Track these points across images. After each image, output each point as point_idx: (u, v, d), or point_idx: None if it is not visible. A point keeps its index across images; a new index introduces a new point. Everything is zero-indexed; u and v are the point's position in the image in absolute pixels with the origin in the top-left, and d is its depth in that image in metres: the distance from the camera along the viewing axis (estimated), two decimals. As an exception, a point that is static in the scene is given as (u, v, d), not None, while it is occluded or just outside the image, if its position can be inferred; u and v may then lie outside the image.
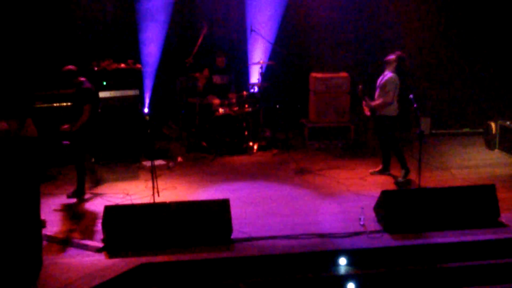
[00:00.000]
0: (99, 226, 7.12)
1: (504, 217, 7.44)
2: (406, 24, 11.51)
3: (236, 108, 10.26)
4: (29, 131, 6.83)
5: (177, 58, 10.61)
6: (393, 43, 11.27)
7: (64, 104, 9.42)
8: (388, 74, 8.71)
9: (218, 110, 10.22)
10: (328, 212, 7.80)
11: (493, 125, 10.44)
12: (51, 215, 7.59)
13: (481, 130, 10.97)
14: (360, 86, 8.88)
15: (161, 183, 8.26)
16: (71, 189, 8.41)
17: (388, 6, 11.51)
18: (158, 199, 7.77)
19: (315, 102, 10.74)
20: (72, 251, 6.73)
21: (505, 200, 7.85)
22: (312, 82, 10.84)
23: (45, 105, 9.36)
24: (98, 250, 6.72)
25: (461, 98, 11.67)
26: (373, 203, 7.55)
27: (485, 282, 6.70)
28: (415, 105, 8.36)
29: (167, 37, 10.89)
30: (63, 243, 6.90)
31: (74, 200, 8.15)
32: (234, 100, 10.30)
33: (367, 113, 8.92)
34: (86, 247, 6.78)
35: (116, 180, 8.92)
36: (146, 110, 8.00)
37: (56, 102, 9.42)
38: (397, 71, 8.71)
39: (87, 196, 8.24)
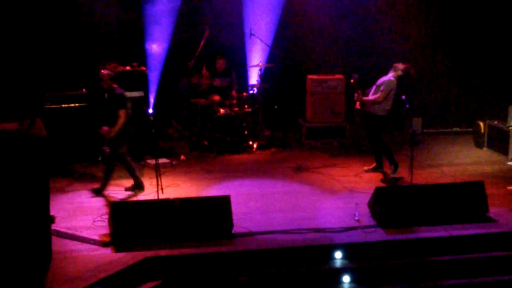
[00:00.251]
0: (106, 222, 7.26)
1: (492, 212, 7.56)
2: (398, 26, 11.59)
3: (236, 109, 10.35)
4: (38, 131, 6.96)
5: (180, 61, 10.69)
6: (386, 45, 11.45)
7: (72, 105, 9.55)
8: (388, 77, 8.86)
9: (219, 111, 10.31)
10: (325, 207, 7.90)
11: (481, 124, 10.54)
12: (60, 211, 7.64)
13: (470, 129, 11.06)
14: (356, 76, 8.97)
15: (164, 180, 8.34)
16: (79, 186, 8.59)
17: (381, 10, 11.59)
18: (162, 196, 7.87)
19: (312, 103, 10.86)
20: (80, 246, 6.81)
21: (493, 196, 7.97)
22: (308, 83, 10.94)
23: (54, 106, 9.47)
24: (105, 244, 6.82)
25: (451, 99, 11.72)
26: (367, 199, 7.67)
27: (475, 275, 6.82)
28: (407, 106, 8.57)
29: (172, 41, 10.95)
30: (72, 237, 6.98)
31: (84, 197, 8.27)
32: (234, 101, 10.40)
33: (357, 106, 9.03)
34: (93, 242, 6.87)
35: (122, 177, 8.92)
36: (150, 110, 8.13)
37: (64, 103, 9.52)
38: (398, 78, 8.88)
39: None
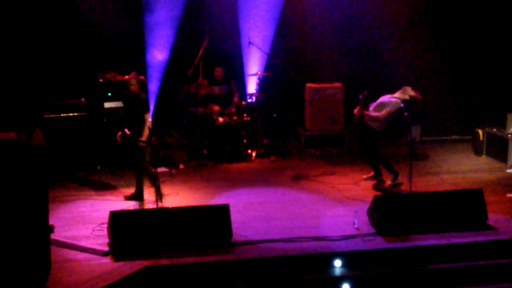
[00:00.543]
0: (105, 231, 7.25)
1: (491, 220, 7.56)
2: (398, 34, 11.62)
3: (235, 117, 10.38)
4: (37, 140, 6.98)
5: (179, 70, 10.71)
6: (385, 53, 11.49)
7: (71, 114, 9.56)
8: (395, 98, 8.84)
9: (218, 119, 10.34)
10: (324, 216, 7.90)
11: (480, 132, 10.57)
12: (59, 220, 7.65)
13: (469, 137, 11.06)
14: (365, 92, 8.97)
15: (164, 189, 8.36)
16: (79, 195, 8.59)
17: (381, 18, 11.62)
18: (161, 205, 7.89)
19: (311, 111, 10.90)
20: (79, 255, 6.80)
21: (492, 203, 7.98)
22: (307, 92, 10.98)
23: (53, 115, 9.49)
24: (104, 253, 6.80)
25: (450, 107, 11.73)
26: (366, 207, 7.67)
27: (474, 283, 6.82)
28: (405, 114, 8.61)
29: (172, 50, 10.99)
30: (71, 247, 6.97)
31: (83, 206, 8.26)
32: (233, 110, 10.44)
33: (356, 116, 9.01)
34: (92, 251, 6.86)
35: (121, 186, 9.02)
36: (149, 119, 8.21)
37: (63, 113, 9.54)
38: (404, 101, 8.84)
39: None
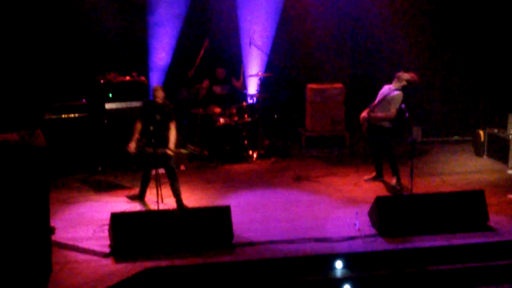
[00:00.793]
0: (106, 232, 7.24)
1: (492, 221, 7.57)
2: (399, 35, 11.59)
3: (236, 118, 10.39)
4: (38, 142, 6.98)
5: (181, 71, 10.71)
6: (386, 54, 11.48)
7: (72, 115, 9.57)
8: (395, 91, 8.81)
9: (219, 120, 10.34)
10: (325, 217, 7.91)
11: (481, 133, 10.57)
12: (60, 221, 7.66)
13: (470, 137, 11.07)
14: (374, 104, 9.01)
15: (165, 191, 8.30)
16: (80, 196, 8.62)
17: (382, 19, 11.60)
18: (162, 206, 7.90)
19: (311, 112, 10.90)
20: (80, 257, 6.81)
21: (494, 205, 7.98)
22: (308, 93, 10.97)
23: (54, 116, 9.49)
24: (105, 255, 6.82)
25: (451, 108, 11.72)
26: (367, 208, 7.68)
27: (475, 284, 6.84)
28: (407, 115, 8.60)
29: (174, 51, 10.99)
30: (72, 248, 6.98)
31: (84, 207, 8.27)
32: (234, 111, 10.45)
33: (362, 121, 9.00)
34: (93, 253, 6.88)
35: (122, 187, 9.04)
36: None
37: (64, 114, 9.54)
38: (402, 89, 8.85)
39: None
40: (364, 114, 9.00)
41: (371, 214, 7.62)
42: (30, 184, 6.27)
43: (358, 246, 7.07)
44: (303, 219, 7.90)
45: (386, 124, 8.92)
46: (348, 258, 6.88)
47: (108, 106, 9.69)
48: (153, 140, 7.95)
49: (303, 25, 11.85)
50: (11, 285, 6.22)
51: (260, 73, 10.90)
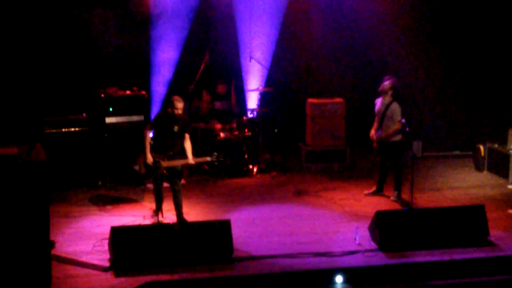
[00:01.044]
0: (106, 246, 7.23)
1: (493, 236, 7.57)
2: (399, 50, 11.67)
3: (236, 133, 10.41)
4: (39, 156, 6.98)
5: (182, 85, 10.68)
6: (387, 68, 11.49)
7: (73, 129, 9.59)
8: (391, 104, 8.85)
9: (219, 135, 10.37)
10: (325, 231, 7.91)
11: (481, 148, 10.59)
12: (60, 235, 7.66)
13: (470, 152, 11.08)
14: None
15: (165, 205, 8.33)
16: (80, 210, 8.60)
17: (383, 34, 11.68)
18: (162, 220, 7.90)
19: (312, 127, 10.90)
20: (80, 271, 6.80)
21: (494, 220, 7.97)
22: (308, 107, 10.98)
23: (54, 130, 9.50)
24: (105, 269, 6.81)
25: (451, 123, 11.76)
26: (368, 223, 7.68)
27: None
28: (407, 129, 8.62)
29: (177, 65, 11.02)
30: (72, 262, 6.97)
31: (84, 221, 8.26)
32: (234, 125, 10.48)
33: (373, 138, 9.04)
34: (93, 267, 6.86)
35: (122, 201, 9.04)
36: (151, 134, 8.19)
37: (65, 128, 9.56)
38: (394, 97, 8.92)
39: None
40: (372, 133, 9.04)
41: (371, 228, 7.61)
42: (30, 198, 6.28)
43: (358, 260, 7.05)
44: (303, 233, 7.89)
45: (397, 138, 8.93)
46: (349, 273, 6.85)
47: (108, 120, 9.70)
48: (171, 153, 7.99)
49: (303, 40, 11.90)
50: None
51: (260, 88, 10.93)
